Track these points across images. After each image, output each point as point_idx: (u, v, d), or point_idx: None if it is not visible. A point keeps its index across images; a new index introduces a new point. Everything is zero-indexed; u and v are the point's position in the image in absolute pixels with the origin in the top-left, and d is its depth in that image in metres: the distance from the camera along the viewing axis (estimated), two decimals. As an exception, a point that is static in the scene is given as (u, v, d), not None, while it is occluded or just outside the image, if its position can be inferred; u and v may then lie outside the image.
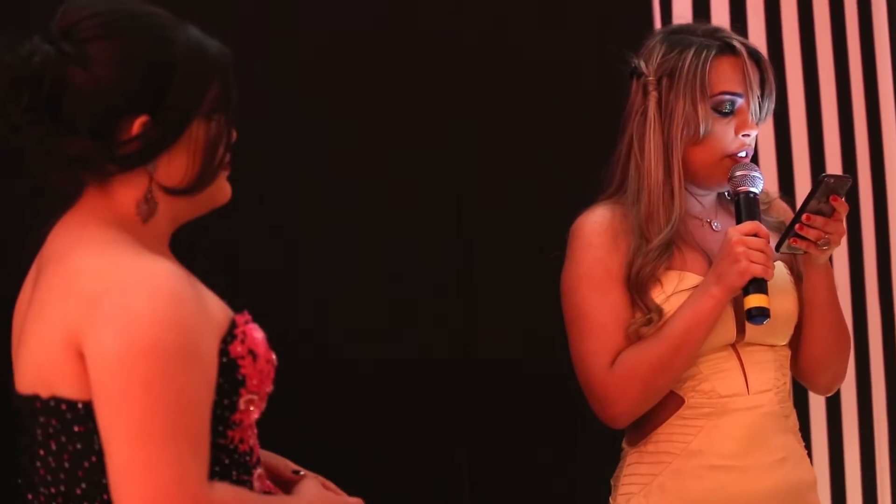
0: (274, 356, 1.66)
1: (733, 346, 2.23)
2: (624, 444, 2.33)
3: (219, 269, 2.19)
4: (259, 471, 1.66)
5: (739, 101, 2.25)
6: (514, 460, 2.99)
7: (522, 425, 2.98)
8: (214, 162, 1.64)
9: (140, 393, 1.46)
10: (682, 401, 2.22)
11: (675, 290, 2.20)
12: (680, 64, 2.24)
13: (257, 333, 1.62)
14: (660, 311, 2.19)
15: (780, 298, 2.23)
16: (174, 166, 1.62)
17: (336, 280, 2.88)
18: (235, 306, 1.64)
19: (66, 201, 1.65)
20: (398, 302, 2.93)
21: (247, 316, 1.63)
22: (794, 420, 2.31)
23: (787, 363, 2.30)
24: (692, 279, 2.21)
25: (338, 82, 2.90)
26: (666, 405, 2.23)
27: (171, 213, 1.66)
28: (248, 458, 1.63)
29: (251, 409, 1.61)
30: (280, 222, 2.85)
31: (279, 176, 2.83)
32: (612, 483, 2.33)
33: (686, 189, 2.27)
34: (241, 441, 1.62)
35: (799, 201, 2.50)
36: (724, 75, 2.24)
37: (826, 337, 2.30)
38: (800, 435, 2.32)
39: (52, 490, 1.57)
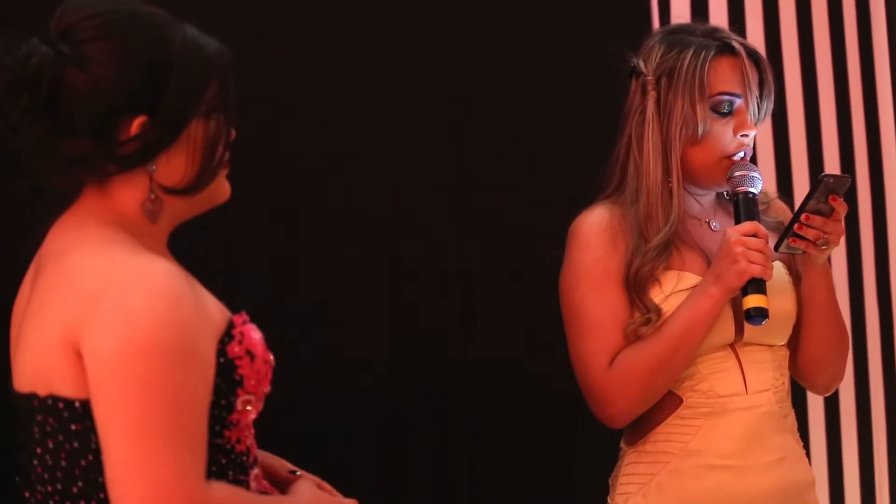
0: (272, 357, 1.66)
1: (732, 345, 2.23)
2: (622, 444, 2.33)
3: (218, 269, 2.20)
4: (256, 471, 1.67)
5: (738, 102, 2.25)
6: (513, 460, 2.99)
7: (522, 425, 2.98)
8: (214, 161, 1.64)
9: (138, 391, 1.47)
10: (681, 400, 2.23)
11: (673, 290, 2.20)
12: (679, 64, 2.24)
13: (255, 334, 1.63)
14: (658, 310, 2.19)
15: (779, 298, 2.23)
16: (173, 166, 1.62)
17: (336, 280, 2.88)
18: (235, 306, 1.65)
19: (64, 201, 1.65)
20: (398, 302, 2.94)
21: (244, 316, 1.63)
22: (792, 420, 2.31)
23: (786, 363, 2.30)
24: (691, 279, 2.21)
25: (338, 82, 2.90)
26: (664, 405, 2.23)
27: (171, 212, 1.66)
28: (244, 458, 1.63)
29: (248, 409, 1.61)
30: (280, 222, 2.85)
31: (279, 176, 2.84)
32: (610, 482, 2.33)
33: (685, 189, 2.27)
34: (238, 441, 1.62)
35: (797, 201, 2.50)
36: (723, 76, 2.24)
37: (825, 337, 2.30)
38: (798, 435, 2.32)
39: (49, 488, 1.57)
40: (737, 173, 2.22)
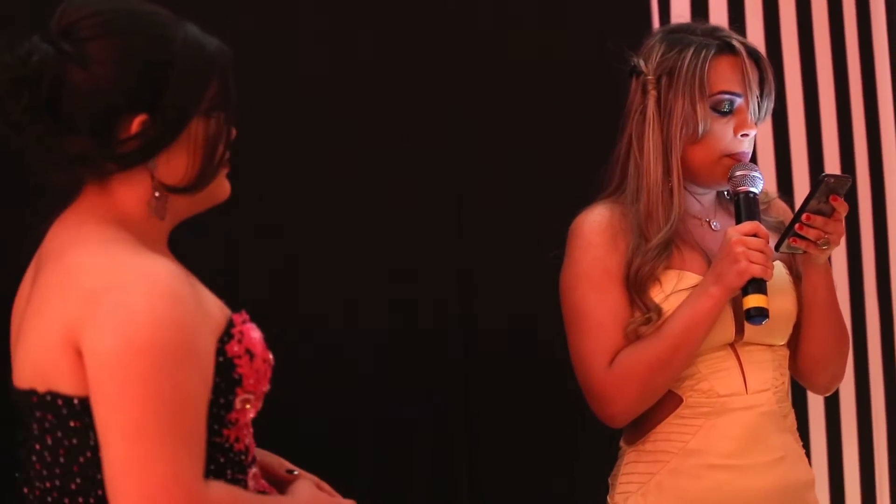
0: (271, 356, 1.66)
1: (732, 345, 2.23)
2: (622, 443, 2.33)
3: (218, 269, 2.20)
4: (254, 470, 1.67)
5: (738, 101, 2.25)
6: (513, 460, 2.98)
7: (522, 425, 2.98)
8: (214, 160, 1.65)
9: (137, 390, 1.47)
10: (681, 400, 2.23)
11: (674, 290, 2.20)
12: (679, 63, 2.24)
13: (254, 333, 1.63)
14: (659, 310, 2.19)
15: (779, 298, 2.23)
16: (174, 164, 1.62)
17: (336, 280, 2.88)
18: (235, 306, 1.65)
19: (64, 199, 1.65)
20: (398, 302, 2.93)
21: (244, 315, 1.63)
22: (792, 420, 2.31)
23: (786, 363, 2.30)
24: (691, 278, 2.21)
25: (337, 82, 2.90)
26: (664, 404, 2.23)
27: (171, 210, 1.66)
28: (243, 457, 1.64)
29: (247, 408, 1.61)
30: (280, 222, 2.85)
31: (279, 176, 2.83)
32: (609, 482, 2.33)
33: (685, 188, 2.28)
34: (237, 440, 1.62)
35: (798, 201, 2.51)
36: (723, 75, 2.24)
37: (825, 337, 2.30)
38: (798, 434, 2.32)
39: (48, 484, 1.58)
40: (738, 173, 2.22)
